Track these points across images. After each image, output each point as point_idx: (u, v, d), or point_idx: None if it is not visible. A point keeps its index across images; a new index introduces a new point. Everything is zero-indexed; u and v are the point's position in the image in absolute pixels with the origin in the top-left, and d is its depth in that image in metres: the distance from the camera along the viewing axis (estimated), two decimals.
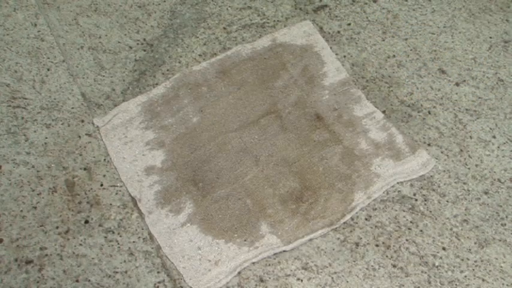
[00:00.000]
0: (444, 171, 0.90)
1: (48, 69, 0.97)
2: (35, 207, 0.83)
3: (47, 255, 0.79)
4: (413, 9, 1.09)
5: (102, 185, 0.86)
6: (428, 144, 0.92)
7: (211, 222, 0.83)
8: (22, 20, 1.02)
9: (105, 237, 0.81)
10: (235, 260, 0.80)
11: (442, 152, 0.91)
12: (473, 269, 0.81)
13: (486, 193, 0.88)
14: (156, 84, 0.97)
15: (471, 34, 1.05)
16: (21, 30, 1.01)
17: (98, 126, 0.91)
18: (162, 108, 0.94)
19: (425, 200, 0.87)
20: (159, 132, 0.91)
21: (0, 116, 0.90)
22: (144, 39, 1.03)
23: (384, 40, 1.06)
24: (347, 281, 0.79)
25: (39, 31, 1.01)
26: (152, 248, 0.81)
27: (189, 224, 0.83)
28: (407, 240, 0.83)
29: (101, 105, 0.94)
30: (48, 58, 0.98)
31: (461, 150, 0.91)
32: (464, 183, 0.89)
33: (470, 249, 0.83)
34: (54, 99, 0.94)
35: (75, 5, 1.06)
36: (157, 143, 0.90)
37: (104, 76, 0.98)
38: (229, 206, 0.84)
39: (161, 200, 0.85)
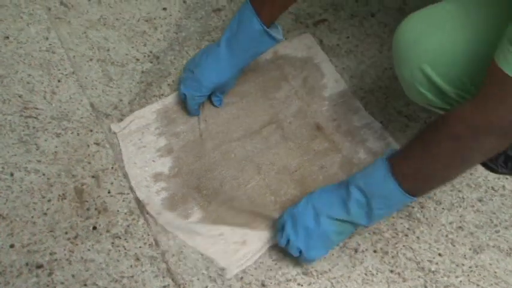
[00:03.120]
0: None
1: (58, 81, 1.00)
2: (45, 214, 0.86)
3: (56, 260, 0.82)
4: None
5: (109, 192, 0.89)
6: None
7: (225, 220, 0.86)
8: (35, 33, 1.06)
9: (112, 242, 0.84)
10: (261, 239, 0.84)
11: None
12: (468, 275, 0.83)
13: (480, 201, 0.91)
14: (162, 95, 1.01)
15: None
16: (33, 43, 1.04)
17: (115, 132, 0.94)
18: (178, 115, 0.97)
19: (422, 208, 0.90)
20: (171, 139, 0.94)
21: (13, 125, 0.94)
22: (151, 52, 1.07)
23: (381, 53, 1.09)
24: (346, 286, 0.82)
25: (50, 44, 1.05)
26: (158, 253, 0.83)
27: (201, 223, 0.86)
28: (404, 246, 0.86)
29: (109, 115, 0.97)
30: (59, 70, 1.02)
31: None
32: (459, 191, 0.92)
33: (465, 255, 0.85)
34: (64, 109, 0.97)
35: (85, 19, 1.10)
36: (167, 150, 0.93)
37: (111, 87, 1.01)
38: (236, 206, 0.87)
39: (168, 206, 0.87)
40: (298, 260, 0.80)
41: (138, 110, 0.97)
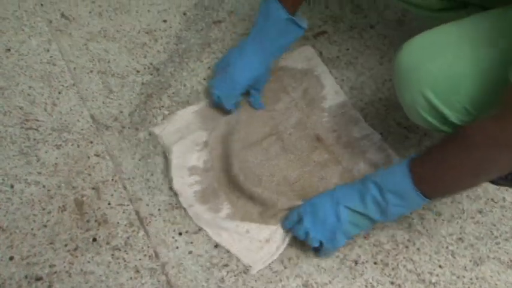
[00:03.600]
0: None
1: (59, 93, 1.01)
2: (45, 226, 0.86)
3: (56, 272, 0.82)
4: (409, 35, 1.14)
5: (109, 204, 0.89)
6: None
7: (252, 216, 0.87)
8: (36, 46, 1.06)
9: (112, 254, 0.84)
10: (283, 235, 0.86)
11: None
12: (469, 287, 0.83)
13: (480, 212, 0.91)
14: (162, 106, 1.01)
15: None
16: (34, 55, 1.05)
17: (157, 135, 0.96)
18: (219, 112, 0.98)
19: (422, 219, 0.90)
20: (210, 133, 0.95)
21: (13, 137, 0.94)
22: (151, 64, 1.07)
23: (381, 64, 1.10)
24: None
25: (51, 56, 1.05)
26: (158, 265, 0.83)
27: (230, 219, 0.87)
28: (404, 258, 0.86)
29: (110, 127, 0.98)
30: (60, 82, 1.02)
31: None
32: (459, 203, 0.92)
33: (465, 267, 0.85)
34: (65, 121, 0.97)
35: (86, 32, 1.11)
36: (204, 144, 0.94)
37: (112, 99, 1.02)
38: (260, 201, 0.88)
39: (199, 200, 0.89)
40: (316, 253, 0.83)
41: (176, 112, 0.99)
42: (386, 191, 0.72)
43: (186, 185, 0.90)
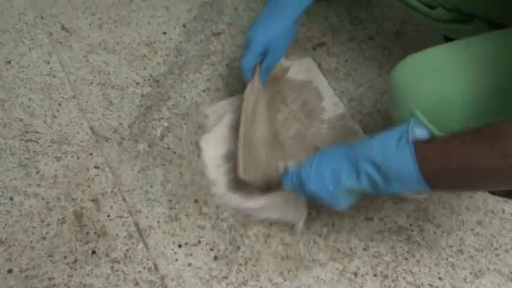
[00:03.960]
0: (439, 202, 0.93)
1: (59, 105, 1.01)
2: (44, 238, 0.85)
3: (55, 285, 0.81)
4: (408, 46, 1.15)
5: (109, 216, 0.89)
6: None
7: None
8: (36, 58, 1.07)
9: (112, 267, 0.83)
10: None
11: None
12: None
13: (480, 224, 0.91)
14: (162, 118, 1.01)
15: None
16: (35, 67, 1.06)
17: (207, 114, 0.99)
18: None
19: (422, 231, 0.90)
20: (236, 119, 0.96)
21: (13, 149, 0.94)
22: (151, 75, 1.08)
23: (379, 76, 1.11)
24: None
25: (51, 68, 1.06)
26: (157, 278, 0.83)
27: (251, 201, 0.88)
28: (404, 270, 0.86)
29: (109, 138, 0.98)
30: (60, 94, 1.03)
31: None
32: (459, 214, 0.92)
33: (465, 279, 0.85)
34: (65, 133, 0.98)
35: (86, 44, 1.11)
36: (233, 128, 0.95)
37: (112, 111, 1.02)
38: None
39: (232, 189, 0.90)
40: None
41: (223, 100, 1.02)
42: (387, 175, 0.64)
43: (220, 173, 0.91)
